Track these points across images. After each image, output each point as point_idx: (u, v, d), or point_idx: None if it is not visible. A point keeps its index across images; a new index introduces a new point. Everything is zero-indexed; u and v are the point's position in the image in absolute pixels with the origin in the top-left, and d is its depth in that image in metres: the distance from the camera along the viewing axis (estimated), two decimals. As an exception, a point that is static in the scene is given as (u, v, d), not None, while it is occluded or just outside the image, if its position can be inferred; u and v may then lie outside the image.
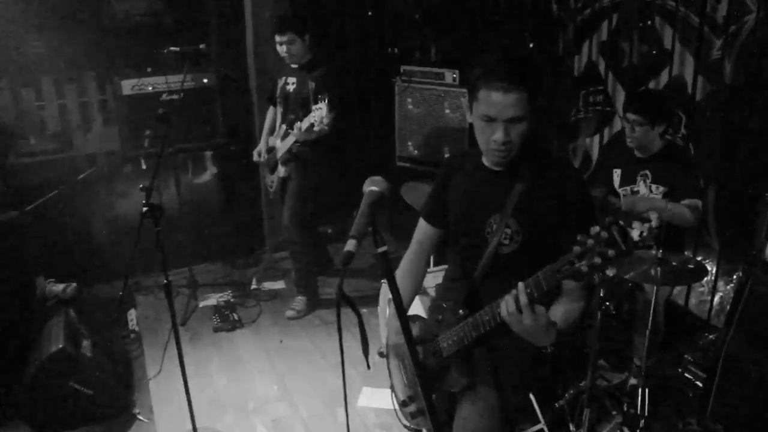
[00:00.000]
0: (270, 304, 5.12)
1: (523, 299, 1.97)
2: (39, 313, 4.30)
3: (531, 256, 2.21)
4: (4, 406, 3.90)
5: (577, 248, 1.81)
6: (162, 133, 4.01)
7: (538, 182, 2.27)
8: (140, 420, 4.05)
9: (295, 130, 4.43)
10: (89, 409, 3.97)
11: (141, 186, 2.97)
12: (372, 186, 1.94)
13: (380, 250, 1.82)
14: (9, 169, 5.09)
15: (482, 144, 2.25)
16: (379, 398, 3.90)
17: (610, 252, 1.75)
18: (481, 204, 2.37)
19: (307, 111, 4.39)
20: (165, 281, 3.06)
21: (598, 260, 1.76)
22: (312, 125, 4.27)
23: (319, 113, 4.15)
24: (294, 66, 4.67)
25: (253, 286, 5.32)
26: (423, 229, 2.65)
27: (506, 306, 2.01)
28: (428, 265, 3.00)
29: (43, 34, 5.21)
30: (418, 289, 2.74)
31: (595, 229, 1.78)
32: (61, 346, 3.85)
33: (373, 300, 4.76)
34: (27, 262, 4.38)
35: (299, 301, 4.92)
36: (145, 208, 2.93)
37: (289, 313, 4.89)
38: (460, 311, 2.31)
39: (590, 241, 1.78)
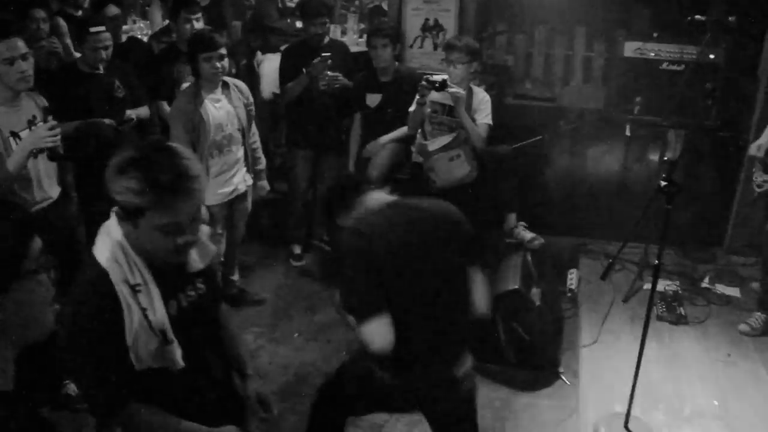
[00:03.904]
0: (721, 309, 4.64)
1: None
2: (501, 248, 4.52)
3: None
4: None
5: None
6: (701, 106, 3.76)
7: None
8: (563, 380, 4.05)
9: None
10: (520, 353, 4.08)
11: (665, 158, 2.83)
12: None
13: None
14: (505, 107, 5.33)
15: None
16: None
17: None
18: None
19: None
20: (656, 261, 2.90)
21: None
22: None
23: None
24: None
25: (704, 285, 4.89)
26: None
27: None
28: None
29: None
30: None
31: None
32: (516, 287, 4.00)
33: None
34: (502, 197, 4.60)
35: (758, 318, 4.36)
36: (663, 183, 2.77)
37: (743, 327, 4.36)
38: None
39: None
